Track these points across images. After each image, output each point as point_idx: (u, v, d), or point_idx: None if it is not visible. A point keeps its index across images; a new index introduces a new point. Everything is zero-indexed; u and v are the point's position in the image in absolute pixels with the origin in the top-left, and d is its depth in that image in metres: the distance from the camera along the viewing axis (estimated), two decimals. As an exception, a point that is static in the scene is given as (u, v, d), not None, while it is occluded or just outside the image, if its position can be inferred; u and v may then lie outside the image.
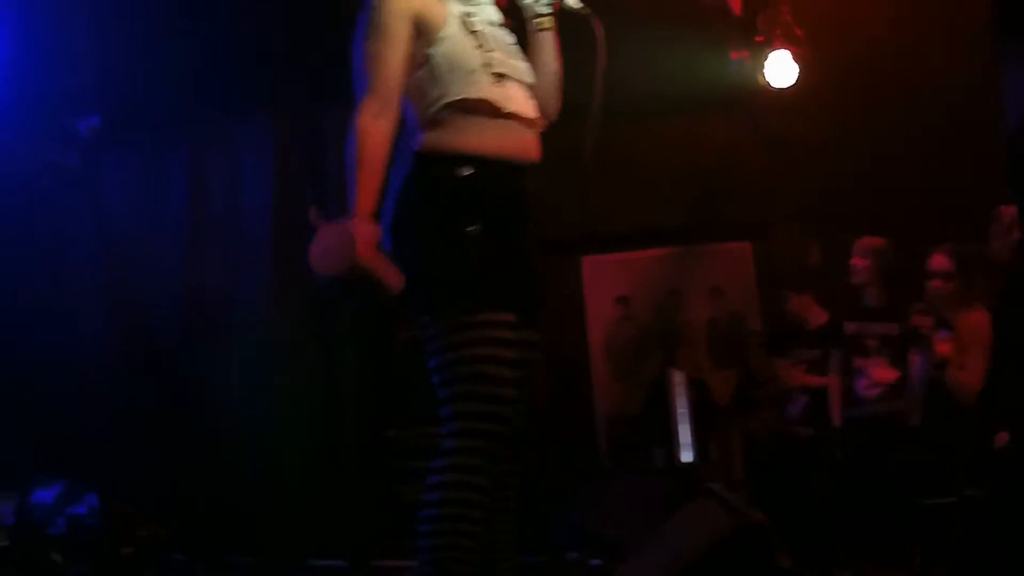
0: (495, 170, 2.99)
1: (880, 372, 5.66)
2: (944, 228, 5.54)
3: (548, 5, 3.20)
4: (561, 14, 3.22)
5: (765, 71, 6.68)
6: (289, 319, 6.64)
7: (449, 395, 2.90)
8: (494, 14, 3.16)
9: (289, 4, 6.07)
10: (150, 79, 6.29)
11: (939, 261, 5.23)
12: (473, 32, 3.03)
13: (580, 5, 3.16)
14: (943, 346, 5.11)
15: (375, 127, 2.92)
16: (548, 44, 3.24)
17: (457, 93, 2.95)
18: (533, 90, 3.18)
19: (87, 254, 6.72)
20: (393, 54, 2.96)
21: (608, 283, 7.93)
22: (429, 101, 2.98)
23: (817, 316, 6.24)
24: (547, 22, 3.22)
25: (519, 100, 3.07)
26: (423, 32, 3.00)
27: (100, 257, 6.71)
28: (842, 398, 5.86)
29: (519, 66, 3.14)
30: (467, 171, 2.95)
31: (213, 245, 6.73)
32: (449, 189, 2.95)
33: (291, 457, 6.60)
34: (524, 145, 3.08)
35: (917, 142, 6.65)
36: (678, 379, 6.83)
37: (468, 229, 2.91)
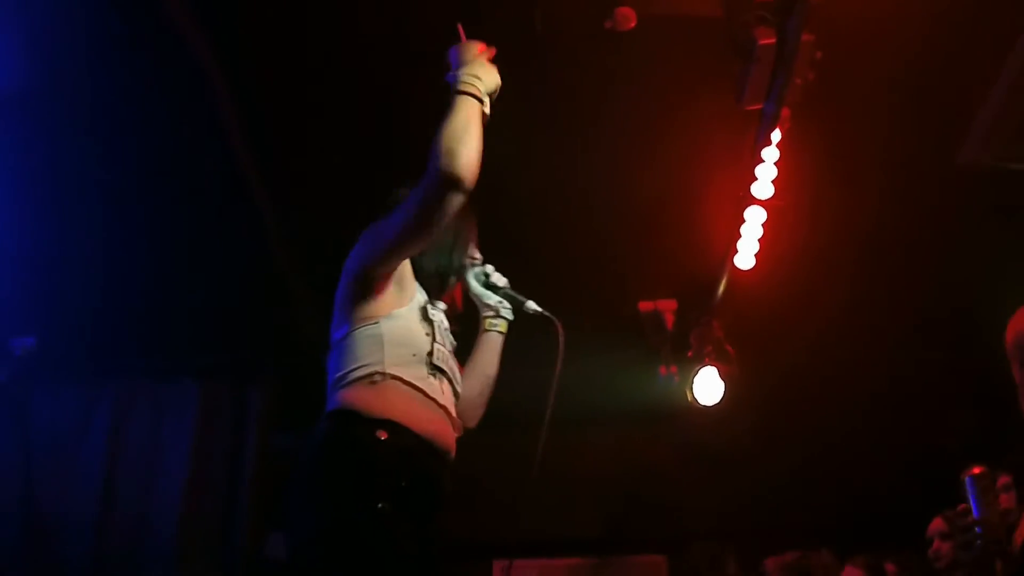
0: (417, 445, 2.85)
1: None
2: (863, 539, 5.56)
3: (510, 311, 3.26)
4: (520, 315, 3.27)
5: (693, 387, 6.72)
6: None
7: None
8: (445, 320, 3.16)
9: (233, 282, 6.08)
10: (87, 315, 6.26)
11: (850, 573, 5.25)
12: (429, 320, 3.03)
13: (541, 310, 3.21)
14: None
15: None
16: (496, 347, 3.28)
17: (396, 367, 2.88)
18: (460, 395, 3.14)
19: (9, 464, 6.49)
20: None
21: (518, 589, 7.71)
22: (364, 363, 2.89)
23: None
24: (503, 325, 3.28)
25: (448, 397, 3.01)
26: (391, 289, 2.99)
27: (20, 470, 6.46)
28: None
29: (456, 370, 3.12)
30: (386, 435, 2.78)
31: (126, 486, 6.52)
32: (368, 449, 2.77)
33: None
34: (446, 435, 2.98)
35: (836, 457, 6.75)
36: None
37: (379, 505, 2.69)
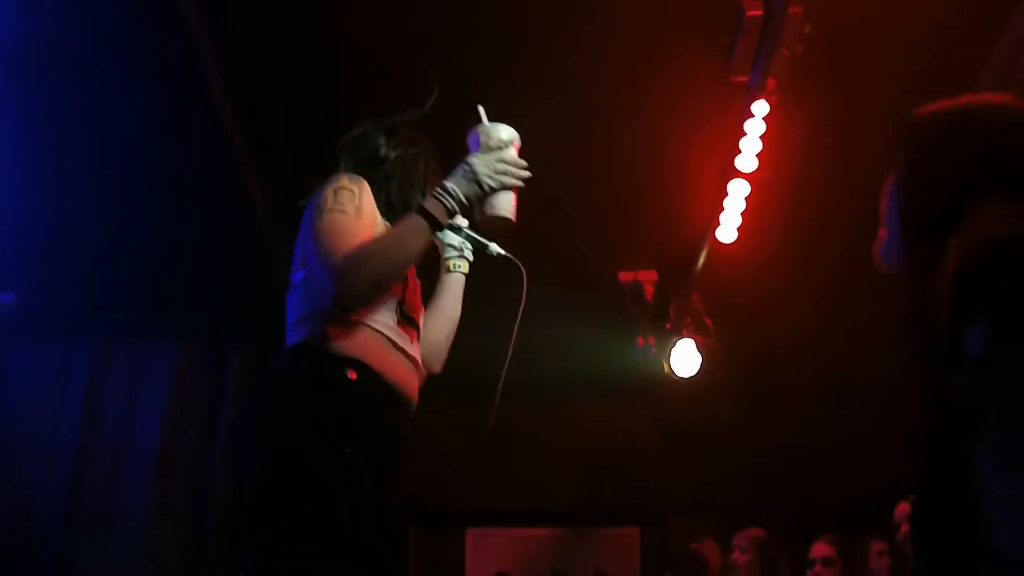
0: (385, 390, 2.71)
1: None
2: (837, 517, 5.59)
3: (472, 252, 3.12)
4: (482, 256, 3.12)
5: (670, 359, 6.71)
6: (163, 532, 6.38)
7: None
8: None
9: (215, 245, 6.09)
10: (67, 270, 6.23)
11: (820, 548, 5.31)
12: None
13: (504, 252, 3.07)
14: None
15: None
16: (459, 288, 3.12)
17: (365, 313, 2.71)
18: (423, 334, 3.01)
19: None
20: (367, 234, 2.71)
21: (491, 557, 7.83)
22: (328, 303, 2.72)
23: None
24: (465, 266, 3.13)
25: (416, 348, 2.88)
26: None
27: None
28: None
29: (423, 317, 3.01)
30: (355, 375, 2.63)
31: (102, 444, 6.50)
32: (334, 389, 2.62)
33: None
34: (412, 386, 2.84)
35: (815, 435, 6.76)
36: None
37: (346, 451, 2.54)
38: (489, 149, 2.81)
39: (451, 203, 2.70)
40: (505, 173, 2.77)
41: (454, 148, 2.82)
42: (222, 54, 4.67)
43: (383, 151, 2.99)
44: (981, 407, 1.60)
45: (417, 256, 2.73)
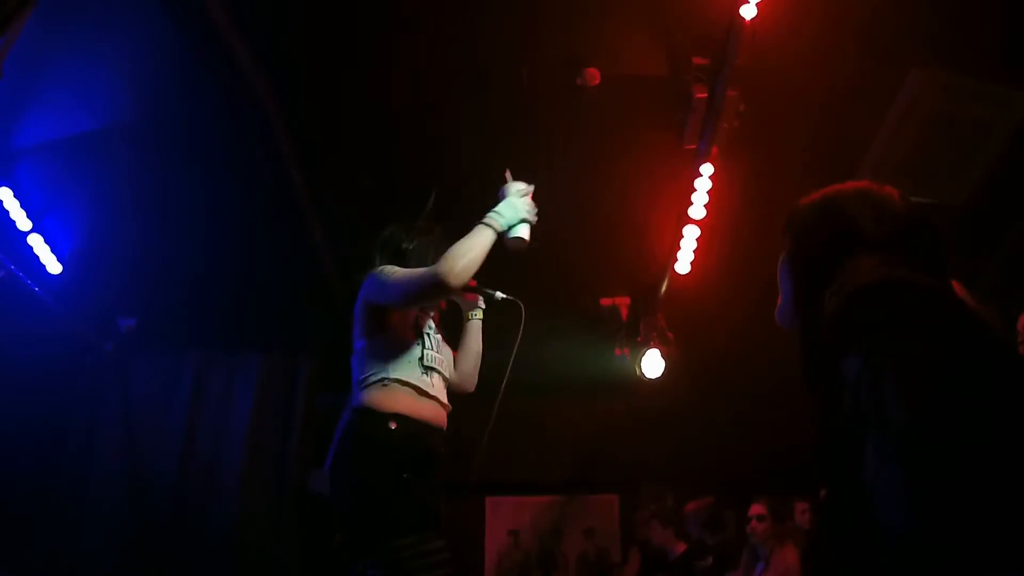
0: (420, 427, 3.03)
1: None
2: (768, 484, 5.58)
3: (481, 309, 3.42)
4: (492, 305, 3.38)
5: (641, 364, 6.71)
6: (251, 509, 6.35)
7: None
8: (433, 325, 3.31)
9: (290, 276, 6.10)
10: (177, 301, 6.32)
11: (755, 508, 5.33)
12: (419, 332, 3.19)
13: (509, 297, 3.32)
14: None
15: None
16: (478, 330, 3.43)
17: (396, 372, 3.05)
18: (458, 368, 3.38)
19: (111, 418, 6.49)
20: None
21: (504, 518, 7.82)
22: (374, 370, 3.07)
23: (677, 547, 6.03)
24: (479, 314, 3.43)
25: (439, 388, 3.17)
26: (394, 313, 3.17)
27: (122, 421, 6.47)
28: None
29: (444, 361, 3.26)
30: (395, 425, 2.98)
31: (204, 433, 6.52)
32: (384, 438, 2.97)
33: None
34: (439, 417, 3.14)
35: (753, 419, 6.77)
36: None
37: (404, 476, 2.92)
38: (513, 195, 3.15)
39: (498, 220, 3.05)
40: (524, 210, 3.11)
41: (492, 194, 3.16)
42: (289, 126, 4.71)
43: (404, 244, 3.30)
44: (861, 420, 1.61)
45: (483, 251, 3.00)
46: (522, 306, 3.27)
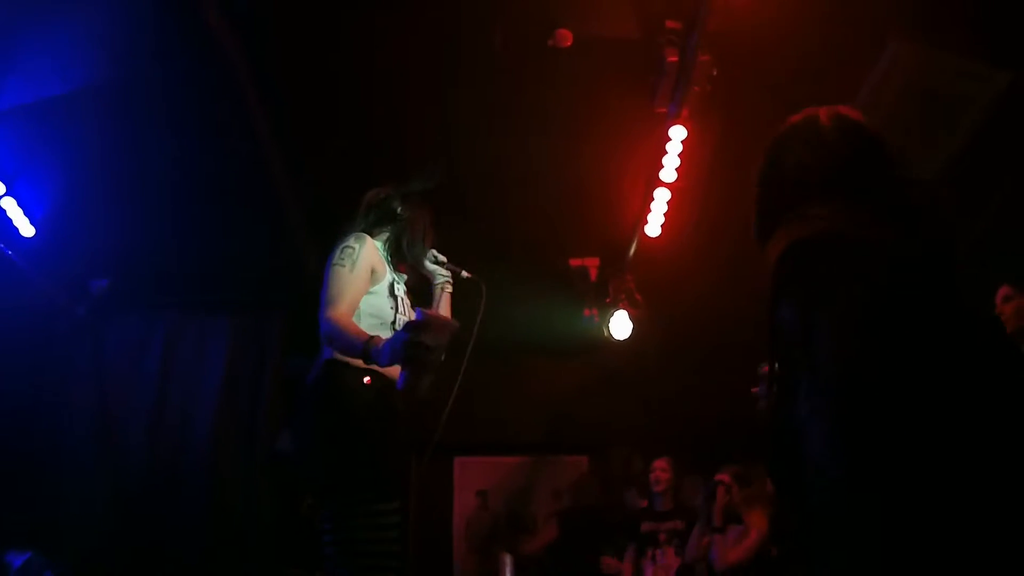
0: (387, 384, 3.08)
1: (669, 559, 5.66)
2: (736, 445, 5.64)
3: (448, 280, 3.47)
4: (457, 280, 3.47)
5: (609, 326, 6.75)
6: (223, 472, 6.38)
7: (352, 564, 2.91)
8: (404, 288, 3.39)
9: (259, 239, 6.08)
10: (147, 263, 6.29)
11: (721, 477, 5.34)
12: (393, 296, 3.28)
13: (471, 275, 3.43)
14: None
15: (344, 316, 3.05)
16: (447, 301, 3.49)
17: (370, 332, 3.04)
18: None
19: (87, 376, 6.49)
20: (357, 284, 3.14)
21: (473, 479, 7.84)
22: None
23: (640, 503, 6.13)
24: (448, 286, 3.49)
25: None
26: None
27: (95, 381, 6.48)
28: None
29: None
30: (370, 380, 3.06)
31: (175, 393, 6.54)
32: (357, 391, 3.05)
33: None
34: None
35: (716, 381, 6.80)
36: (506, 561, 6.57)
37: (370, 429, 2.99)
38: (408, 334, 2.85)
39: (378, 359, 2.87)
40: (413, 359, 2.84)
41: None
42: (260, 89, 4.69)
43: (399, 211, 3.38)
44: (794, 368, 1.69)
45: (349, 352, 2.98)
46: (483, 286, 3.36)
